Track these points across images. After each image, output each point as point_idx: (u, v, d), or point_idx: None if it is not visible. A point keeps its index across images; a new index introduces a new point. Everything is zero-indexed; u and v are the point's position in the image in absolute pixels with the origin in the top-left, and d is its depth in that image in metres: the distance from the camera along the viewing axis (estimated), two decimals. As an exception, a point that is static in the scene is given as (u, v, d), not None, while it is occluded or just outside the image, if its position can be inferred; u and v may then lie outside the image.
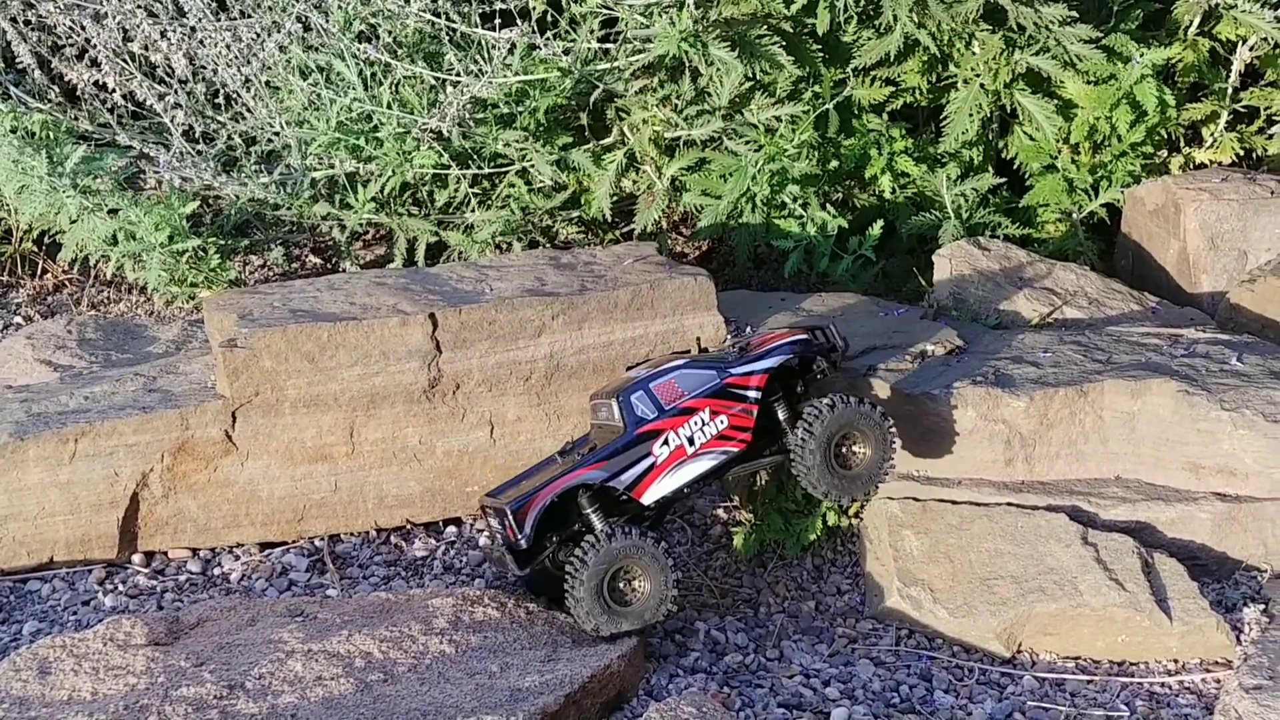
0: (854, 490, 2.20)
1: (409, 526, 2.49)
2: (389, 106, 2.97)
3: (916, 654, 2.21)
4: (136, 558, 2.39)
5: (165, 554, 2.41)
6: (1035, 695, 2.12)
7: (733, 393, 2.19)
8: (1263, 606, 2.20)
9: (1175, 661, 2.17)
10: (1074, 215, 3.10)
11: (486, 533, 2.29)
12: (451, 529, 2.51)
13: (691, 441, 2.17)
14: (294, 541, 2.44)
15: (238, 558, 2.40)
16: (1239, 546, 2.29)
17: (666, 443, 2.16)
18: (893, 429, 2.22)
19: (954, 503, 2.34)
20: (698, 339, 2.47)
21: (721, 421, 2.18)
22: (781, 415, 2.24)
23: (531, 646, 2.08)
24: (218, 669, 2.00)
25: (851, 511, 2.45)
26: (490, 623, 2.13)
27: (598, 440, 2.22)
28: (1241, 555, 2.30)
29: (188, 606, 2.24)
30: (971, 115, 3.02)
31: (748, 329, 2.48)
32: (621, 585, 2.10)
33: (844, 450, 2.20)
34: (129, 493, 2.35)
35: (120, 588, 2.33)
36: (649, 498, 2.16)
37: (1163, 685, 2.14)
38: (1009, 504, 2.32)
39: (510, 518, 2.10)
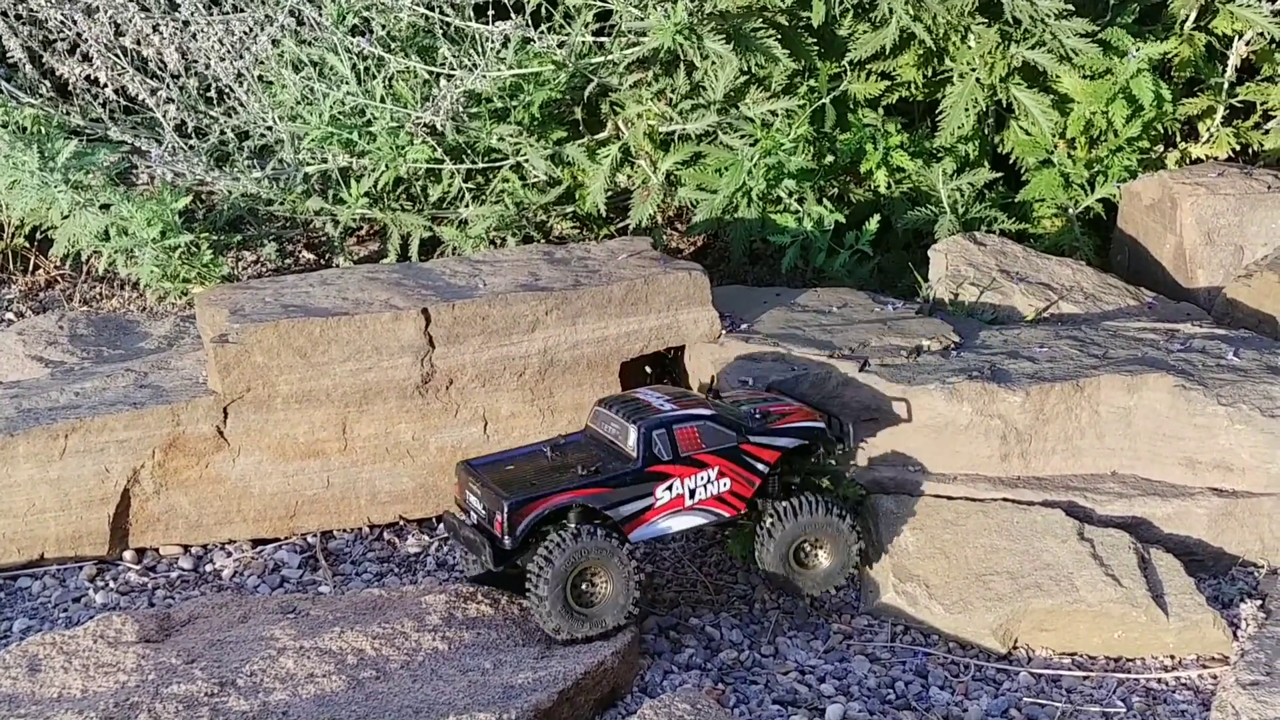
0: (806, 590, 2.20)
1: (402, 523, 2.48)
2: (382, 101, 2.96)
3: (912, 650, 2.20)
4: (128, 554, 2.38)
5: (157, 550, 2.39)
6: (1031, 691, 2.11)
7: (744, 459, 2.16)
8: (1259, 602, 2.19)
9: (1172, 657, 2.16)
10: (1070, 210, 3.09)
11: (458, 501, 2.21)
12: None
13: (692, 494, 2.14)
14: (286, 538, 2.43)
15: (229, 554, 2.39)
16: (1236, 542, 2.28)
17: (670, 488, 2.12)
18: (858, 539, 2.20)
19: (949, 498, 2.33)
20: (711, 383, 2.44)
21: (725, 484, 2.15)
22: (768, 489, 2.22)
23: (525, 643, 2.07)
24: (209, 666, 1.98)
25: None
26: (483, 619, 2.12)
27: (593, 447, 2.17)
28: (1238, 551, 2.29)
29: (179, 603, 2.23)
30: (967, 110, 3.02)
31: (751, 381, 2.42)
32: (584, 587, 2.07)
33: (804, 551, 2.19)
34: (120, 489, 2.34)
35: (111, 584, 2.31)
36: (636, 536, 2.13)
37: (1159, 681, 2.13)
38: (1005, 499, 2.31)
39: (504, 515, 2.05)
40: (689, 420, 2.13)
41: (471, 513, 2.15)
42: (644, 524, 2.13)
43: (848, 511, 2.19)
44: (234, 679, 1.95)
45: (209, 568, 2.37)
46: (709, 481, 2.15)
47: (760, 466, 2.17)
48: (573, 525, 2.06)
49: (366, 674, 1.97)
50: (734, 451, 2.15)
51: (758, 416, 2.20)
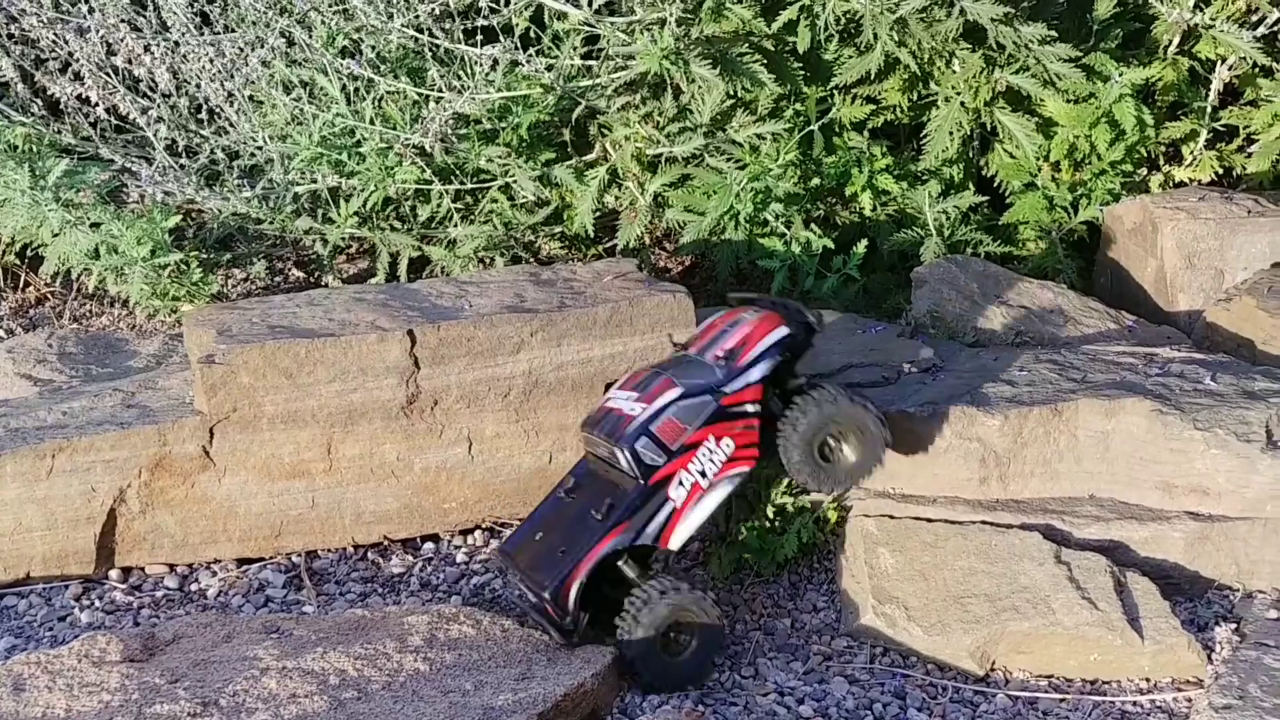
0: (832, 485, 2.20)
1: (386, 543, 2.50)
2: (372, 122, 2.98)
3: (891, 672, 2.22)
4: (113, 573, 2.39)
5: (142, 570, 2.41)
6: (1008, 714, 2.13)
7: (732, 413, 2.14)
8: (1234, 626, 2.21)
9: (1147, 680, 2.18)
10: (1054, 233, 3.12)
11: (516, 591, 2.27)
12: (429, 545, 2.52)
13: (704, 475, 2.13)
14: (271, 558, 2.44)
15: (215, 574, 2.40)
16: (1211, 566, 2.30)
17: (681, 483, 2.12)
18: (884, 425, 2.19)
19: (928, 520, 2.35)
20: (670, 339, 2.42)
21: (728, 445, 2.14)
22: (775, 408, 2.20)
23: (506, 664, 2.08)
24: (192, 686, 2.00)
25: (827, 529, 2.45)
26: (465, 640, 2.14)
27: (598, 476, 2.18)
28: (1214, 574, 2.31)
29: (164, 623, 2.24)
30: (952, 133, 3.04)
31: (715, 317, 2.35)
32: (672, 634, 2.10)
33: (827, 446, 2.19)
34: (106, 508, 2.35)
35: (97, 604, 2.33)
36: (675, 542, 2.14)
37: (1135, 704, 2.15)
38: (983, 522, 2.33)
39: (552, 604, 2.08)
40: (662, 413, 2.12)
41: (527, 594, 2.18)
42: (676, 527, 2.13)
43: (868, 399, 2.18)
44: (217, 699, 1.96)
45: (194, 587, 2.38)
46: (711, 454, 2.13)
47: (750, 409, 2.15)
48: (654, 584, 2.08)
49: (348, 695, 1.99)
50: (718, 413, 2.13)
51: (722, 360, 2.16)
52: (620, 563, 2.13)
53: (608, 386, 2.57)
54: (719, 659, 2.17)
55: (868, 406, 2.18)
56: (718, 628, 2.12)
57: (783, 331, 2.18)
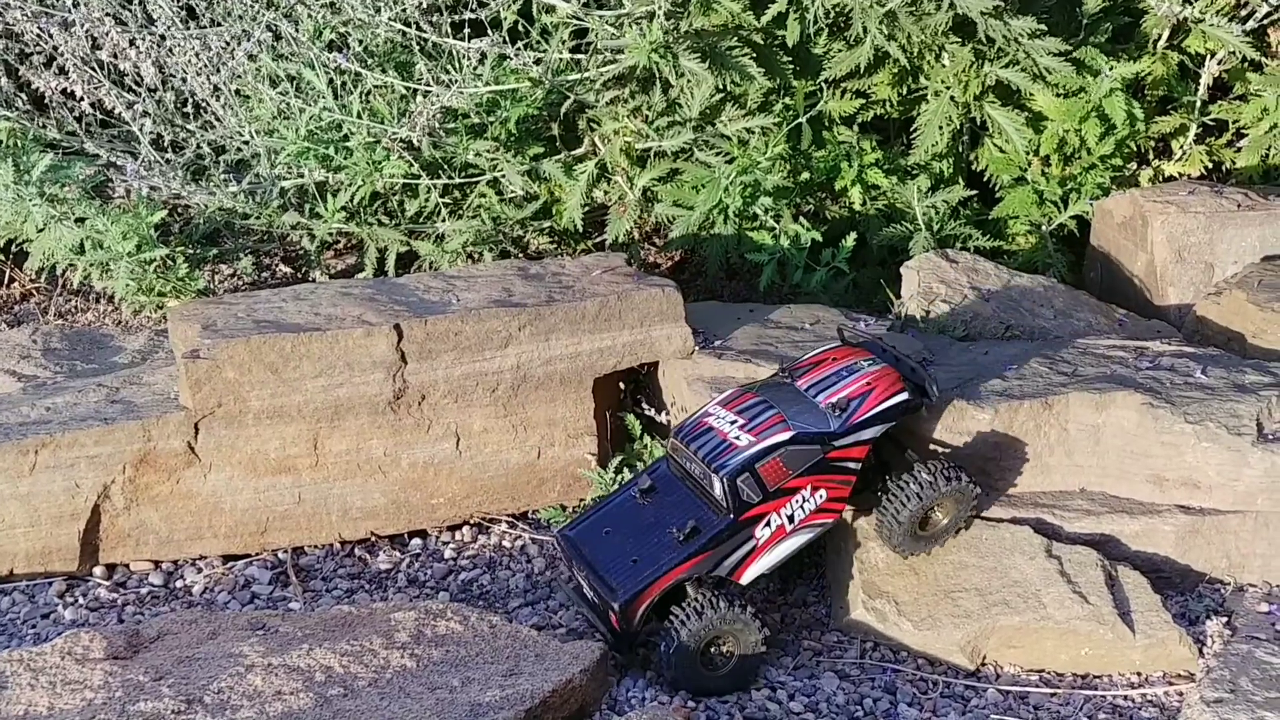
0: (927, 548, 2.22)
1: (374, 539, 2.48)
2: (359, 116, 2.96)
3: (881, 667, 2.21)
4: (98, 570, 2.37)
5: (127, 566, 2.39)
6: (999, 708, 2.12)
7: (834, 465, 2.11)
8: (1225, 619, 2.21)
9: (1138, 674, 2.17)
10: (1044, 227, 3.11)
11: (570, 579, 2.25)
12: (416, 541, 2.50)
13: (791, 520, 2.11)
14: (257, 554, 2.43)
15: (200, 570, 2.38)
16: (1202, 559, 2.30)
17: (768, 525, 2.10)
18: (976, 489, 2.20)
19: (919, 515, 2.33)
20: (781, 366, 2.31)
21: (821, 496, 2.12)
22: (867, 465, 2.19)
23: (494, 661, 2.07)
24: (176, 683, 1.98)
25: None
26: (452, 636, 2.12)
27: (681, 488, 2.15)
28: (1205, 568, 2.30)
29: (148, 620, 2.22)
30: (941, 127, 3.03)
31: (812, 352, 2.28)
32: (711, 650, 2.09)
33: (929, 518, 2.20)
34: (90, 505, 2.33)
35: (81, 600, 2.31)
36: (748, 578, 2.13)
37: (1126, 698, 2.14)
38: (974, 516, 2.32)
39: (619, 615, 2.07)
40: (770, 453, 2.07)
41: (584, 589, 2.16)
42: (752, 564, 2.12)
43: (965, 471, 2.17)
44: (201, 696, 1.95)
45: (179, 584, 2.36)
46: (804, 501, 2.11)
47: (852, 465, 2.12)
48: (698, 596, 2.06)
49: (334, 691, 1.97)
50: (822, 464, 2.10)
51: (836, 411, 2.10)
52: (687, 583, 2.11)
53: (596, 381, 2.56)
54: (758, 674, 2.15)
55: (962, 478, 2.17)
56: (758, 642, 2.10)
57: (902, 397, 2.13)
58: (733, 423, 2.13)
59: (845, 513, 2.25)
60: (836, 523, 2.19)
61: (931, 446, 2.29)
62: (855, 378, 2.15)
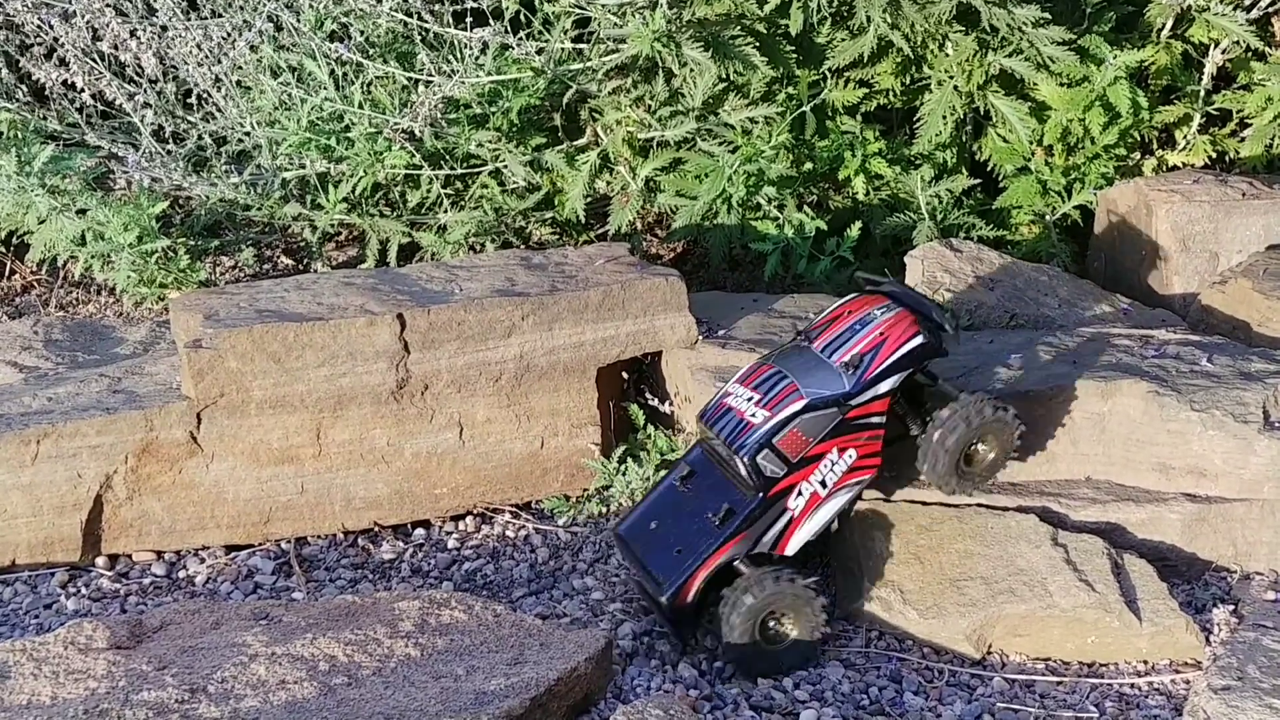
0: (972, 487, 2.20)
1: (377, 529, 2.47)
2: (360, 106, 2.96)
3: (886, 655, 2.20)
4: (100, 560, 2.36)
5: (129, 557, 2.38)
6: (1005, 697, 2.11)
7: (857, 424, 2.09)
8: (1232, 607, 2.20)
9: (1145, 662, 2.16)
10: (1047, 217, 3.10)
11: (636, 578, 2.24)
12: (420, 531, 2.49)
13: (824, 484, 2.10)
14: (260, 544, 2.42)
15: (203, 560, 2.38)
16: (1209, 547, 2.29)
17: (800, 494, 2.09)
18: (1020, 424, 2.19)
19: (924, 503, 2.33)
20: (798, 330, 2.26)
21: (850, 456, 2.10)
22: (900, 410, 2.18)
23: (498, 649, 2.06)
24: (180, 673, 1.97)
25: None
26: (457, 625, 2.11)
27: (715, 471, 2.15)
28: (1211, 556, 2.29)
29: (151, 610, 2.21)
30: (945, 117, 3.02)
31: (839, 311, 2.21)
32: (771, 624, 2.09)
33: (972, 451, 2.18)
34: (92, 495, 2.32)
35: (83, 591, 2.30)
36: (792, 549, 2.12)
37: (1132, 686, 2.13)
38: (979, 505, 2.31)
39: (669, 610, 2.07)
40: (786, 425, 2.05)
41: (645, 584, 2.16)
42: (793, 535, 2.11)
43: (1008, 404, 2.15)
44: (205, 685, 1.94)
45: (182, 574, 2.35)
46: (833, 465, 2.09)
47: (876, 419, 2.09)
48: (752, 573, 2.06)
49: (338, 680, 1.96)
50: (842, 425, 2.07)
51: (850, 369, 2.07)
52: (736, 562, 2.11)
53: (599, 371, 2.55)
54: (822, 645, 2.15)
55: (1007, 410, 2.15)
56: (817, 612, 2.09)
57: (916, 341, 2.08)
58: (749, 399, 2.11)
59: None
60: (876, 477, 2.17)
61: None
62: (867, 330, 2.11)
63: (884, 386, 2.08)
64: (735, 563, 2.10)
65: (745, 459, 2.06)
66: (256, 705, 1.90)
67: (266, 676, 1.96)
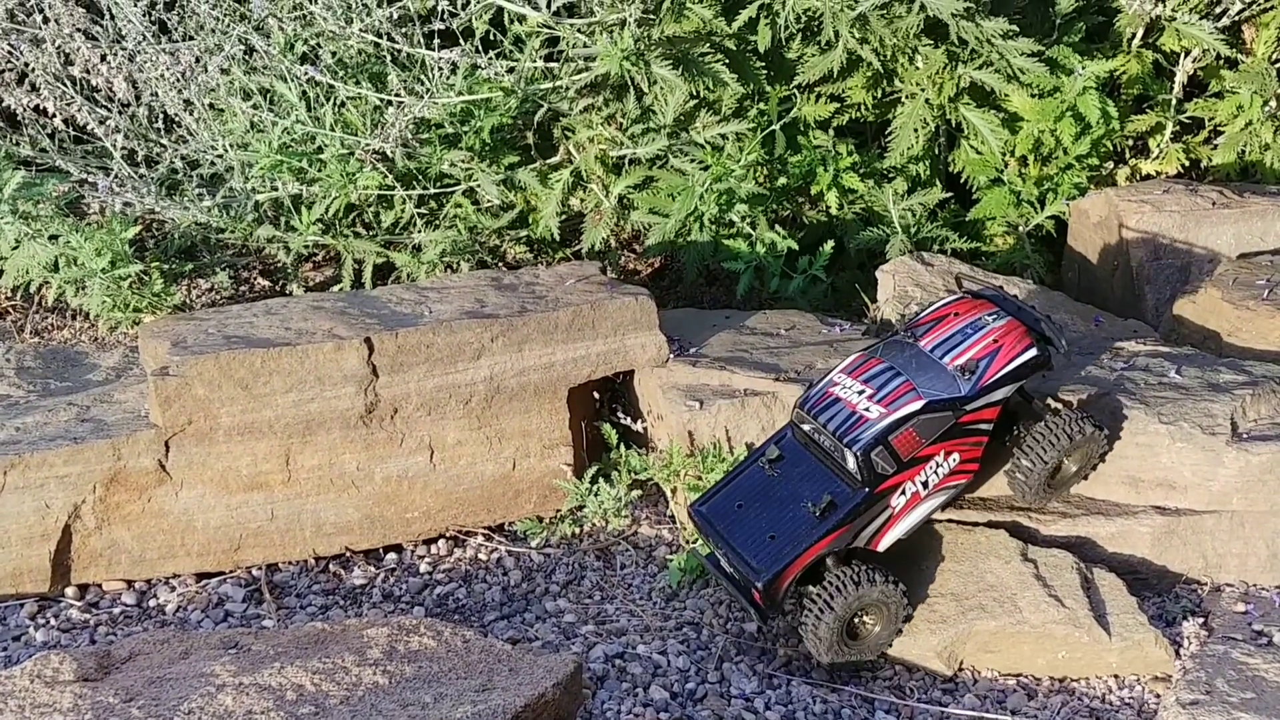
0: (1054, 497, 2.22)
1: (348, 554, 2.47)
2: (332, 128, 2.95)
3: (858, 674, 2.19)
4: (70, 591, 2.35)
5: (99, 586, 2.37)
6: (976, 714, 2.11)
7: (966, 429, 2.10)
8: (1202, 620, 2.20)
9: (1115, 677, 2.16)
10: (1021, 228, 3.10)
11: (711, 558, 2.23)
12: (391, 555, 2.49)
13: (926, 485, 2.11)
14: (231, 571, 2.41)
15: (173, 589, 2.37)
16: (1179, 560, 2.29)
17: (903, 493, 2.10)
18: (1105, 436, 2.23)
19: (895, 521, 2.32)
20: (900, 316, 2.28)
21: (954, 459, 2.11)
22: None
23: (467, 675, 2.05)
24: (146, 705, 1.96)
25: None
26: (425, 652, 2.11)
27: (809, 458, 2.14)
28: (1182, 569, 2.29)
29: (120, 640, 2.21)
30: (916, 130, 3.03)
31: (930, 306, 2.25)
32: (856, 622, 2.11)
33: (1059, 467, 2.22)
34: (60, 525, 2.32)
35: (52, 622, 2.29)
36: (884, 545, 2.13)
37: (1103, 701, 2.13)
38: (950, 520, 2.31)
39: (762, 594, 2.07)
40: (903, 424, 2.05)
41: (723, 563, 2.15)
42: (888, 532, 2.12)
43: (1095, 421, 2.18)
44: (171, 717, 1.93)
45: (153, 603, 2.35)
46: (938, 467, 2.10)
47: (984, 427, 2.11)
48: (850, 570, 2.07)
49: (305, 710, 1.95)
50: (954, 429, 2.09)
51: (964, 373, 2.07)
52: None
53: (571, 391, 2.54)
54: (899, 635, 2.17)
55: (1100, 427, 2.19)
56: (901, 606, 2.11)
57: (1031, 354, 2.10)
58: (860, 393, 2.10)
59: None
60: (971, 483, 2.19)
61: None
62: (981, 335, 2.11)
63: (998, 395, 2.10)
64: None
65: (859, 453, 2.04)
66: (222, 737, 1.89)
67: (233, 707, 1.95)
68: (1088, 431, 2.17)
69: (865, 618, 2.12)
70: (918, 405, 2.06)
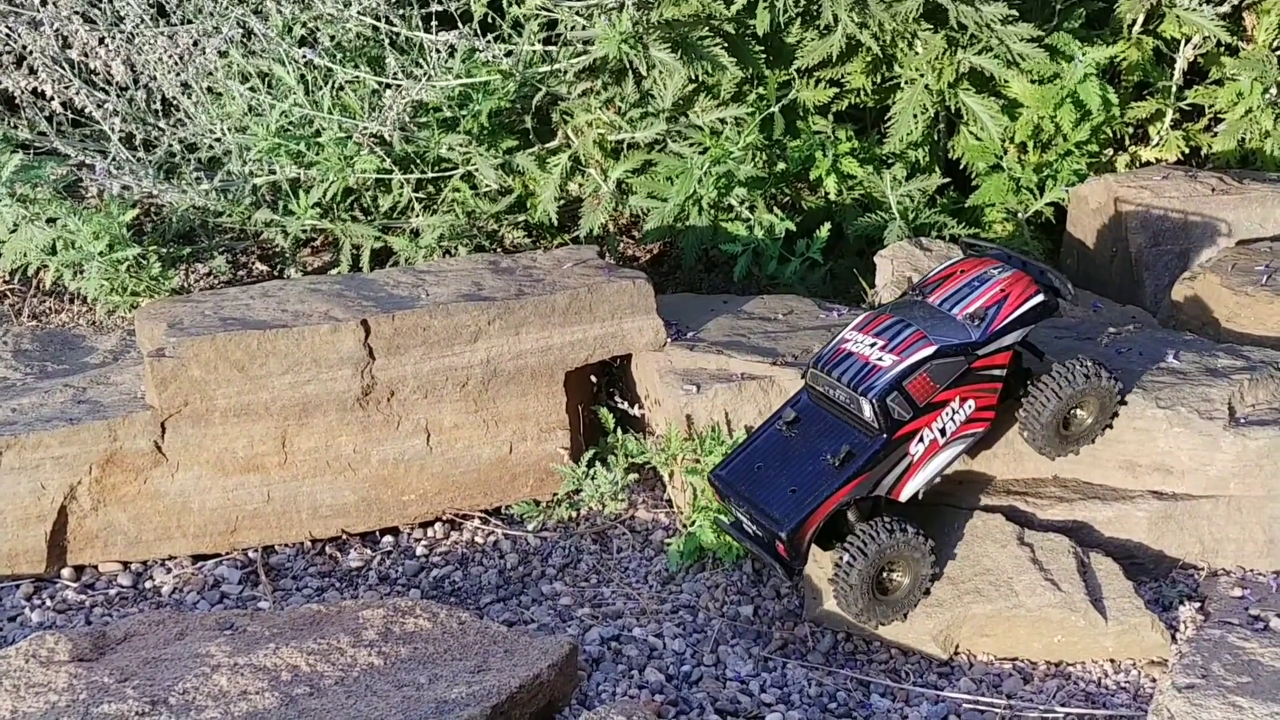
0: (1071, 449, 2.21)
1: (344, 537, 2.46)
2: (330, 111, 2.95)
3: (854, 657, 2.20)
4: (66, 572, 2.35)
5: (95, 568, 2.37)
6: (972, 697, 2.11)
7: (979, 375, 2.13)
8: (1198, 605, 2.19)
9: (1111, 661, 2.16)
10: (1020, 214, 3.10)
11: (731, 518, 2.24)
12: (388, 538, 2.49)
13: (943, 432, 2.13)
14: (227, 553, 2.41)
15: (169, 570, 2.37)
16: (1176, 545, 2.29)
17: (921, 440, 2.11)
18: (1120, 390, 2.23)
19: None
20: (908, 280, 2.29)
21: (969, 406, 2.13)
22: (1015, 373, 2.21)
23: (462, 657, 2.05)
24: (141, 685, 1.97)
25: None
26: (421, 634, 2.11)
27: (826, 415, 2.15)
28: (1178, 553, 2.29)
29: (115, 621, 2.21)
30: (916, 116, 3.02)
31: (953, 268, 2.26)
32: (884, 577, 2.12)
33: (1070, 415, 2.22)
34: (56, 506, 2.31)
35: (48, 603, 2.29)
36: (905, 494, 2.14)
37: (1099, 685, 2.13)
38: (946, 504, 2.31)
39: (786, 544, 2.07)
40: (916, 369, 2.08)
41: (745, 525, 2.17)
42: (909, 481, 2.13)
43: (1109, 370, 2.19)
44: (166, 697, 1.93)
45: (148, 585, 2.35)
46: (954, 414, 2.13)
47: (997, 372, 2.14)
48: (882, 522, 2.09)
49: (300, 690, 1.96)
50: (968, 374, 2.11)
51: (975, 320, 2.12)
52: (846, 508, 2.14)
53: (568, 375, 2.54)
54: (929, 589, 2.19)
55: (1110, 376, 2.20)
56: (928, 562, 2.13)
57: (1039, 299, 2.15)
58: (872, 345, 2.13)
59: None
60: (988, 431, 2.20)
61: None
62: (987, 287, 2.16)
63: (1008, 339, 2.13)
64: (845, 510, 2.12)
65: (874, 400, 2.06)
66: (217, 716, 1.89)
67: (228, 687, 1.95)
68: (1101, 376, 2.17)
69: (894, 573, 2.13)
70: (930, 350, 2.09)
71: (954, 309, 2.15)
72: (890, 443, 2.09)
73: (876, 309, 2.23)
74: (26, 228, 2.99)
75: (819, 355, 2.19)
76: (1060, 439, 2.23)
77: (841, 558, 2.09)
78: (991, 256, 2.26)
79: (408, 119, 2.95)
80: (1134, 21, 3.14)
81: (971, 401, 2.13)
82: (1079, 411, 2.23)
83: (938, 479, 2.17)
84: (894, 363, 2.08)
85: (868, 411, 2.08)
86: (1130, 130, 3.30)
